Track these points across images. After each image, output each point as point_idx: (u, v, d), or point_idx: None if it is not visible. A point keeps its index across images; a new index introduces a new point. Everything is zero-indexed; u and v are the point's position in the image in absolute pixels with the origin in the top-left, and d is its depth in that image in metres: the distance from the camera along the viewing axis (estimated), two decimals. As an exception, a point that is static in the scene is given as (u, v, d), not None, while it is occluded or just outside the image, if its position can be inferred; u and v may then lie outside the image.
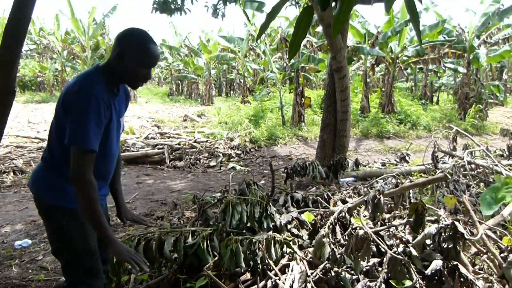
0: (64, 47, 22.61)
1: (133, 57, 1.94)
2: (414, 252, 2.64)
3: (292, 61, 13.75)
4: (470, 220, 3.19)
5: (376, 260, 2.71)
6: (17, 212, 5.24)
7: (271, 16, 2.75)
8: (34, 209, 5.32)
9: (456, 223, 2.58)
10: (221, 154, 8.90)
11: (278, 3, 2.71)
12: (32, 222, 4.86)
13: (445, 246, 2.59)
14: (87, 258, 2.05)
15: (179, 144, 9.33)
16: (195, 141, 9.74)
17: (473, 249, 2.98)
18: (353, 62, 15.68)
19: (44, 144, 9.17)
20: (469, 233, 2.98)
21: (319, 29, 13.93)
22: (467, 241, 2.68)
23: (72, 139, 1.84)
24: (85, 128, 1.82)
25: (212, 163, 8.49)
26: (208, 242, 2.77)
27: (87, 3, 24.47)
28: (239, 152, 9.47)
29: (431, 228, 2.71)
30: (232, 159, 8.94)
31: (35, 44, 26.60)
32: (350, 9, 1.95)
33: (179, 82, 30.33)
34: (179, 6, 7.77)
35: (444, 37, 14.80)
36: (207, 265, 2.72)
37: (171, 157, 8.66)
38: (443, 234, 2.64)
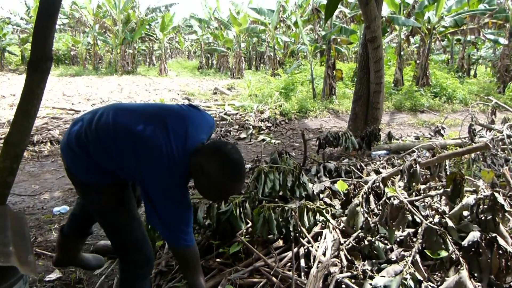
0: (96, 21, 22.81)
1: (214, 180, 1.74)
2: (450, 223, 2.59)
3: (323, 32, 13.47)
4: (509, 193, 3.09)
5: (411, 230, 2.66)
6: (55, 180, 5.41)
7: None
8: (70, 177, 5.49)
9: (496, 194, 2.50)
10: (251, 127, 8.89)
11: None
12: (69, 190, 5.00)
13: (483, 217, 2.52)
14: (132, 226, 2.03)
15: (209, 116, 9.36)
16: (225, 114, 9.75)
17: (513, 222, 2.89)
18: (386, 34, 15.21)
19: (78, 115, 9.39)
20: (509, 206, 2.88)
21: (352, -1, 13.57)
22: (507, 213, 2.60)
23: (167, 238, 1.91)
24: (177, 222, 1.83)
25: (243, 135, 8.50)
26: (241, 209, 2.79)
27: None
28: (269, 124, 9.43)
29: (469, 199, 2.63)
30: (262, 132, 8.93)
31: (67, 18, 26.98)
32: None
33: (208, 55, 30.31)
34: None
35: (485, 6, 14.09)
36: (240, 232, 2.75)
37: (202, 129, 8.71)
38: (481, 206, 2.56)
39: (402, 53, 15.23)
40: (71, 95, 13.63)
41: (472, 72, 20.99)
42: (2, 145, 2.66)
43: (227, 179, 1.73)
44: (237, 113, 10.00)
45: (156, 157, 1.72)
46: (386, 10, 14.73)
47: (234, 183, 1.76)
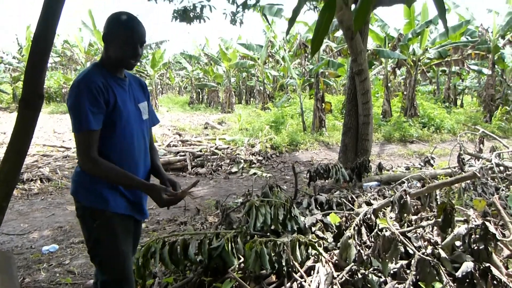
0: (87, 59, 23.06)
1: (113, 37, 1.95)
2: (443, 254, 2.58)
3: (311, 66, 13.74)
4: (501, 222, 3.10)
5: (404, 262, 2.65)
6: (44, 219, 5.33)
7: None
8: (60, 215, 5.42)
9: (487, 223, 2.50)
10: (242, 161, 8.89)
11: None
12: (59, 228, 4.93)
13: (475, 247, 2.51)
14: (117, 261, 2.04)
15: (200, 151, 9.38)
16: (216, 148, 9.77)
17: (506, 252, 2.88)
18: (373, 66, 15.55)
19: (69, 152, 9.36)
20: (501, 235, 2.89)
21: (338, 33, 13.88)
22: (499, 242, 2.59)
23: (73, 126, 1.89)
24: (79, 111, 1.86)
25: (234, 170, 8.50)
26: (233, 244, 2.76)
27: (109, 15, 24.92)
28: (260, 158, 9.45)
29: (460, 229, 2.63)
30: (253, 165, 8.94)
31: (59, 56, 27.21)
32: (371, 2, 1.92)
33: (199, 90, 30.52)
34: (198, 14, 7.88)
35: (467, 38, 14.54)
36: (232, 268, 2.71)
37: (193, 164, 8.70)
38: (473, 235, 2.56)
39: (389, 84, 15.52)
40: (62, 132, 13.61)
41: (458, 102, 21.35)
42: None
43: (123, 26, 1.95)
44: (228, 147, 10.03)
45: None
46: (371, 44, 15.12)
47: (130, 25, 1.95)
